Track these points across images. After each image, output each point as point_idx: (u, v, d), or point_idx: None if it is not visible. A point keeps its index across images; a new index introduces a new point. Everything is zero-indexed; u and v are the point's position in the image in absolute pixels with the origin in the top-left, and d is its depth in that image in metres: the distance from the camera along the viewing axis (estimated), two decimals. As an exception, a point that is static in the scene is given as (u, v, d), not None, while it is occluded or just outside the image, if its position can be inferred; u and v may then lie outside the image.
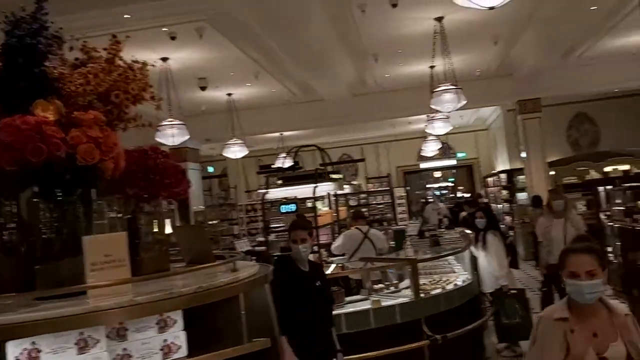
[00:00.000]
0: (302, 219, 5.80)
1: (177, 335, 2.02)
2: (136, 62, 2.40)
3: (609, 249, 9.21)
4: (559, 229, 5.90)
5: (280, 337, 3.39)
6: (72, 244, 2.12)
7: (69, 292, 1.89)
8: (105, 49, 2.39)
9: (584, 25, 8.92)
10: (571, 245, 2.47)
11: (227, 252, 3.13)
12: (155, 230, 2.52)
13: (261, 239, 11.72)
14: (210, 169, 18.49)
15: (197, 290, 2.01)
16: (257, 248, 9.81)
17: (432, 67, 9.58)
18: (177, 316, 2.05)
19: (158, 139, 8.29)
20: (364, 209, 15.99)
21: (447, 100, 8.28)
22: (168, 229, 3.02)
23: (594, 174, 12.80)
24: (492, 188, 17.04)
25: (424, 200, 22.07)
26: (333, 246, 6.97)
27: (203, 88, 10.35)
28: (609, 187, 10.26)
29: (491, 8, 3.75)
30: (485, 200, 14.60)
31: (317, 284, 3.81)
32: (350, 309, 4.89)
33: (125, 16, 6.37)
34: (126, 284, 1.99)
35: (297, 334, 3.51)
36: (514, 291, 5.89)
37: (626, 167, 12.67)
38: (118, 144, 2.19)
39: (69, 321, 1.73)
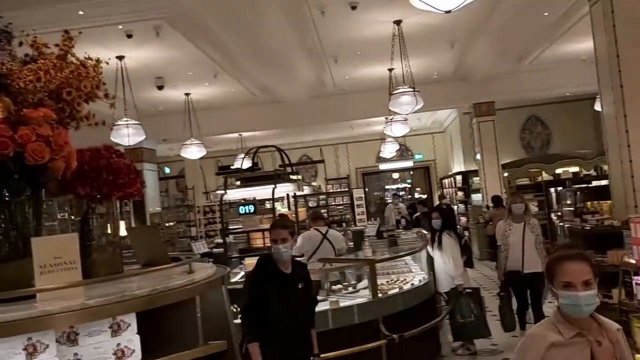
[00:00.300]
0: (283, 218, 5.75)
1: (131, 339, 1.98)
2: (89, 59, 2.34)
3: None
4: (518, 234, 5.91)
5: (251, 344, 3.37)
6: (21, 245, 2.05)
7: (16, 295, 1.82)
8: (57, 45, 2.32)
9: (537, 31, 9.19)
10: (563, 252, 2.20)
11: (183, 254, 3.09)
12: (108, 232, 2.46)
13: (219, 240, 11.61)
14: (167, 170, 18.20)
15: (151, 293, 1.97)
16: (215, 250, 9.69)
17: (390, 69, 9.69)
18: (131, 319, 2.00)
19: (113, 139, 8.10)
20: (323, 210, 16.05)
21: (405, 102, 8.39)
22: (123, 231, 2.96)
23: (545, 176, 13.18)
24: (448, 189, 17.36)
25: (380, 201, 22.31)
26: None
27: (160, 87, 10.18)
28: (559, 188, 10.60)
29: (448, 12, 3.81)
30: (447, 201, 14.83)
31: (299, 286, 3.59)
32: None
33: (80, 13, 6.21)
34: (77, 287, 1.93)
35: (275, 336, 3.41)
36: (469, 290, 6.00)
37: (575, 169, 13.09)
38: (69, 142, 2.13)
39: (17, 325, 1.67)
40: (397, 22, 8.19)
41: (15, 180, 2.08)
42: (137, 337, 1.99)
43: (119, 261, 2.45)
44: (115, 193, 2.37)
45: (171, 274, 2.33)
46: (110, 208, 2.54)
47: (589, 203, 7.52)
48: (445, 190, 17.95)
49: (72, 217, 2.41)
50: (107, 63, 2.44)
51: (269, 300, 3.45)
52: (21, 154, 1.99)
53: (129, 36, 7.24)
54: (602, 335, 2.10)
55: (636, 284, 4.28)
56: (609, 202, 6.94)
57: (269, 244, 7.60)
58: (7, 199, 2.06)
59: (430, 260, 6.35)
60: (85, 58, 2.35)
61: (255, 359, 3.35)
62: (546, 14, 8.24)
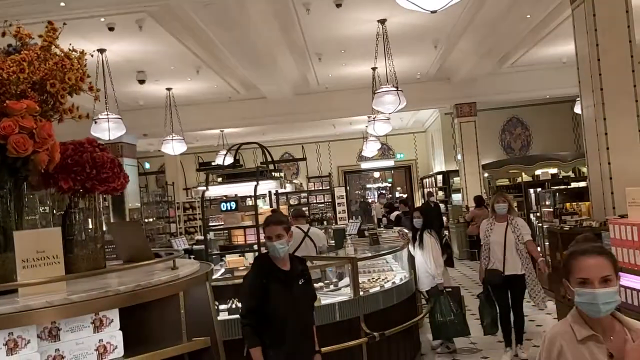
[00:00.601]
0: (277, 213, 5.63)
1: (113, 335, 1.96)
2: (74, 50, 2.30)
3: (538, 249, 9.64)
4: (500, 234, 5.76)
5: (254, 348, 3.28)
6: (2, 239, 2.02)
7: (-3, 290, 1.79)
8: (40, 36, 2.28)
9: (519, 34, 9.29)
10: (579, 246, 2.03)
11: (166, 250, 3.06)
12: (90, 226, 2.42)
13: (199, 237, 11.55)
14: (147, 165, 18.03)
15: (135, 289, 1.95)
16: (195, 247, 9.63)
17: (374, 68, 9.71)
18: (113, 315, 1.98)
19: (93, 133, 8.00)
20: (304, 208, 16.04)
21: (388, 101, 8.42)
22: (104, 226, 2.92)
23: (525, 177, 13.34)
24: (429, 189, 17.48)
25: (362, 199, 22.35)
26: None
27: (142, 82, 10.08)
28: (538, 189, 10.74)
29: (433, 12, 3.82)
30: (434, 199, 14.89)
31: (300, 282, 3.47)
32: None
33: (61, 4, 6.11)
34: (59, 282, 1.90)
35: (280, 336, 3.33)
36: (449, 289, 6.04)
37: (554, 170, 13.29)
38: (52, 135, 2.09)
39: (-2, 321, 1.64)
40: (382, 22, 8.21)
41: (-4, 172, 2.05)
42: (120, 333, 1.97)
43: (102, 256, 2.42)
44: (98, 187, 2.33)
45: (154, 270, 2.31)
46: (92, 202, 2.51)
47: (567, 204, 7.64)
48: (426, 190, 18.07)
49: (54, 211, 2.37)
50: (92, 55, 2.41)
51: (271, 300, 3.34)
52: (3, 146, 1.95)
53: (111, 29, 7.15)
54: (624, 336, 1.92)
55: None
56: (587, 203, 7.07)
57: (250, 241, 7.64)
58: (-13, 191, 2.02)
59: (411, 259, 6.38)
60: (70, 50, 2.32)
61: None
62: (528, 16, 8.34)
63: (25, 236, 1.92)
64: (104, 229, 2.71)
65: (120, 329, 1.97)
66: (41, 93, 2.21)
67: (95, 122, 8.07)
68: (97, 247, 2.44)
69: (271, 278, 3.38)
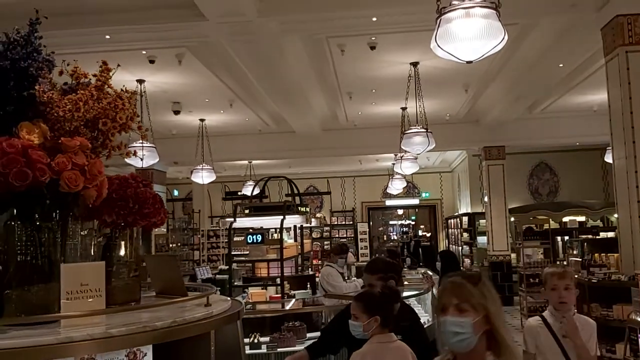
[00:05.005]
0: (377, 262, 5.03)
1: (147, 369, 2.00)
2: (126, 91, 2.41)
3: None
4: None
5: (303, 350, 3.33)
6: (47, 270, 2.10)
7: (42, 320, 1.86)
8: (94, 75, 2.40)
9: (550, 81, 9.32)
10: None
11: (198, 285, 3.11)
12: (130, 259, 2.50)
13: (222, 267, 11.60)
14: (176, 193, 18.29)
15: (171, 325, 2.00)
16: (218, 276, 9.68)
17: (404, 108, 9.81)
18: (148, 349, 2.03)
19: (127, 160, 8.19)
20: (326, 242, 16.05)
21: (417, 142, 8.47)
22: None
23: (552, 223, 13.16)
24: (453, 230, 17.34)
25: (387, 249, 22.20)
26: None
27: (176, 112, 10.33)
28: (565, 237, 10.59)
29: (469, 62, 3.90)
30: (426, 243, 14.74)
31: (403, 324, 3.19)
32: (311, 346, 4.86)
33: (106, 37, 6.36)
34: (100, 315, 1.96)
35: None
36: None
37: (582, 218, 13.08)
38: (102, 171, 2.19)
39: (39, 351, 1.70)
40: (414, 64, 8.33)
41: (46, 205, 2.14)
42: (153, 367, 2.01)
43: (138, 288, 2.48)
44: (139, 222, 2.42)
45: (186, 306, 2.36)
46: (132, 235, 2.59)
47: (596, 254, 7.51)
48: (450, 230, 17.92)
49: (97, 242, 2.45)
50: (142, 95, 2.52)
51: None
52: (56, 180, 2.05)
53: (152, 62, 7.39)
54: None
55: (643, 342, 4.26)
56: (616, 255, 6.94)
57: (273, 274, 7.66)
58: (37, 223, 2.11)
59: (435, 302, 6.33)
60: (122, 90, 2.44)
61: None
62: (561, 65, 8.37)
63: (71, 269, 2.00)
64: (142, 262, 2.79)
65: (152, 363, 2.02)
66: (92, 130, 2.32)
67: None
68: (133, 278, 2.52)
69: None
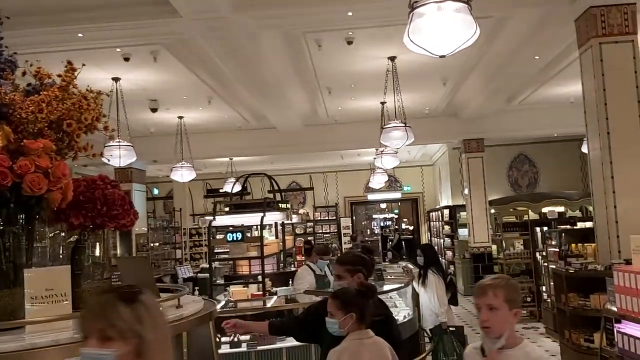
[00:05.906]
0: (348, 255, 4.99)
1: (117, 373, 1.97)
2: (91, 91, 2.38)
3: (543, 288, 9.57)
4: None
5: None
6: (12, 275, 2.06)
7: (7, 326, 1.83)
8: (59, 76, 2.36)
9: (527, 74, 9.38)
10: None
11: (172, 286, 3.09)
12: (101, 261, 2.47)
13: (204, 265, 11.54)
14: (156, 191, 18.14)
15: (140, 328, 1.98)
16: (199, 275, 9.63)
17: (383, 103, 9.81)
18: (118, 353, 2.01)
19: (104, 160, 8.08)
20: (309, 238, 16.05)
21: (396, 137, 8.48)
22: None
23: (532, 214, 13.27)
24: (435, 222, 17.45)
25: (361, 243, 22.33)
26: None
27: (154, 110, 10.22)
28: (545, 227, 10.70)
29: (442, 56, 3.90)
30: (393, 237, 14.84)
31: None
32: (291, 343, 4.86)
33: (79, 35, 6.26)
34: (67, 320, 1.94)
35: None
36: (453, 328, 6.00)
37: (561, 209, 13.20)
38: (67, 174, 2.15)
39: (6, 358, 1.67)
40: (392, 58, 8.33)
41: (10, 209, 2.10)
42: (123, 371, 1.99)
43: (108, 292, 2.45)
44: (108, 224, 2.39)
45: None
46: (101, 237, 2.56)
47: (573, 245, 7.61)
48: (432, 223, 18.04)
49: (64, 245, 2.42)
50: (109, 95, 2.49)
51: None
52: (19, 184, 2.01)
53: (126, 59, 7.30)
54: None
55: (617, 332, 4.32)
56: (593, 245, 7.03)
57: (254, 272, 7.62)
58: (1, 227, 2.07)
59: (415, 296, 6.36)
60: (87, 90, 2.39)
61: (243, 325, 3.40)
62: (537, 57, 8.43)
63: (35, 274, 1.97)
64: (112, 263, 2.76)
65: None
66: (57, 132, 2.28)
67: (105, 150, 8.15)
68: (105, 281, 2.49)
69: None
